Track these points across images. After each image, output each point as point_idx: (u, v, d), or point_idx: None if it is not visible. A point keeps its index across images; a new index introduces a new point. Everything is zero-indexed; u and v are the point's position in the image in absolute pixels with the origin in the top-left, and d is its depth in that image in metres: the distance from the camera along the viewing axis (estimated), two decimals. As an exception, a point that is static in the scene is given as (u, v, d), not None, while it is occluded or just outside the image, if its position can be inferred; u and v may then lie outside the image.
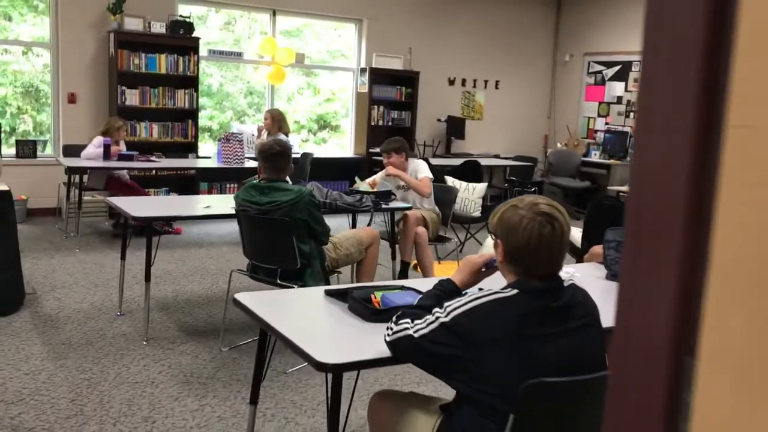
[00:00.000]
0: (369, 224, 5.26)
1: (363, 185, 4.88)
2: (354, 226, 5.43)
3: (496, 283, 1.91)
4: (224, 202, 4.48)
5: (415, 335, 1.83)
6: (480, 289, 1.87)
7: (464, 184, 6.42)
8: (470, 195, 6.34)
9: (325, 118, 9.93)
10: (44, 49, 7.50)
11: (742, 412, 0.57)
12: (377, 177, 5.22)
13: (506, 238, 1.81)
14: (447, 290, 2.01)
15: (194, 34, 7.75)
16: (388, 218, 5.01)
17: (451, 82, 10.27)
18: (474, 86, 10.46)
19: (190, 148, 7.93)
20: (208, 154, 8.02)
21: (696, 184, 0.62)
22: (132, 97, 7.52)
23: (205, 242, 6.73)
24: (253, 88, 9.25)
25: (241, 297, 2.40)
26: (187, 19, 7.74)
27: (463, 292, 1.98)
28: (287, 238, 3.53)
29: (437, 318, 1.80)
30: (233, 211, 3.89)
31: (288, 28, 9.17)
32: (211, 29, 8.60)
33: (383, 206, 4.62)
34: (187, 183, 7.90)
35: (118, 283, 4.57)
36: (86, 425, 2.97)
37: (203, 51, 8.04)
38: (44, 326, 4.15)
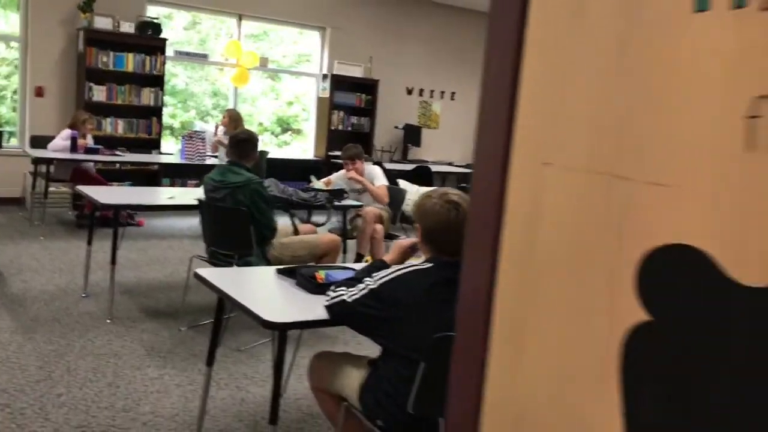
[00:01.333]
0: (324, 224, 5.61)
1: (318, 184, 5.26)
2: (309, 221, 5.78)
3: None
4: (187, 195, 4.81)
5: (349, 300, 2.21)
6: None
7: (415, 187, 6.84)
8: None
9: (288, 121, 10.27)
10: (12, 42, 7.71)
11: (509, 357, 0.98)
12: (332, 177, 5.61)
13: (422, 221, 2.22)
14: (378, 267, 2.40)
15: (162, 35, 8.03)
16: (341, 217, 5.40)
17: (409, 92, 10.71)
18: (431, 96, 10.92)
19: (153, 145, 8.20)
20: (170, 150, 8.29)
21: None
22: (99, 94, 7.77)
23: (167, 234, 7.01)
24: (218, 89, 9.55)
25: (201, 271, 2.75)
26: (156, 20, 8.02)
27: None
28: (241, 225, 3.88)
29: (367, 285, 2.19)
30: (195, 203, 4.22)
31: (254, 32, 9.50)
32: (176, 29, 8.88)
33: (336, 203, 5.00)
34: (150, 178, 8.16)
35: (84, 267, 4.86)
36: (54, 388, 3.28)
37: (170, 51, 8.33)
38: (12, 305, 4.41)
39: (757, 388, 0.68)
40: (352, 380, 2.37)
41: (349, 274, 2.79)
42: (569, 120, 0.91)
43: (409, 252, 2.49)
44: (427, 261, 2.22)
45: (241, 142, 4.06)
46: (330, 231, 5.30)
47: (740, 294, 0.70)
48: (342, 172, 5.70)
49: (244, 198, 3.90)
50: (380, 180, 5.63)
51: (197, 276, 2.73)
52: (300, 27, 9.72)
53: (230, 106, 9.25)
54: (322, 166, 9.28)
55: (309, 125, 10.20)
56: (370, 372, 2.33)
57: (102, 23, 7.68)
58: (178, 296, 4.83)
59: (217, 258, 4.11)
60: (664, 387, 0.77)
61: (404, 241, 2.51)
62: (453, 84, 11.02)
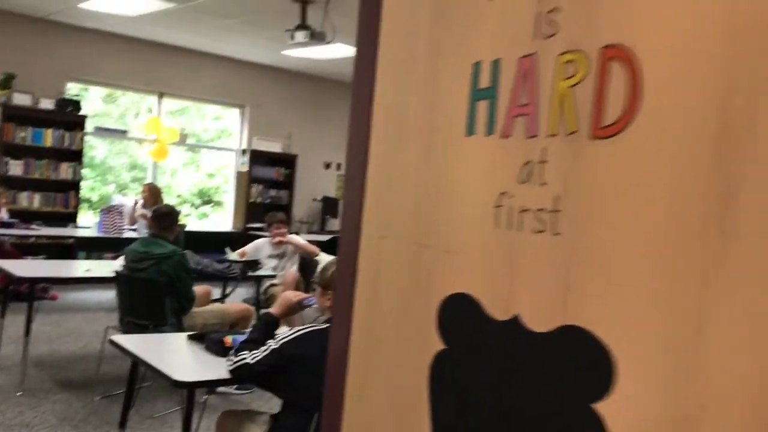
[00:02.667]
0: (227, 294, 5.82)
1: (233, 255, 5.50)
2: (223, 295, 5.99)
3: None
4: (104, 267, 4.95)
5: (251, 362, 2.46)
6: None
7: (328, 256, 7.13)
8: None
9: (208, 193, 10.47)
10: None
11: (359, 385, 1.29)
12: (247, 248, 5.87)
13: (329, 285, 2.52)
14: (269, 321, 2.67)
15: (81, 108, 8.20)
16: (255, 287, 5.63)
17: (327, 166, 11.14)
18: (348, 170, 11.36)
19: (70, 218, 8.24)
20: (87, 224, 8.35)
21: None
22: (16, 168, 7.82)
23: (81, 307, 7.03)
24: (137, 162, 9.71)
25: (116, 338, 2.95)
26: (76, 98, 8.21)
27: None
28: (158, 296, 4.08)
29: (269, 346, 2.46)
30: (112, 275, 4.39)
31: (174, 108, 9.78)
32: (94, 101, 9.05)
33: (250, 273, 5.25)
34: (65, 251, 8.16)
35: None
36: (-35, 459, 3.33)
37: (89, 127, 8.48)
38: None
39: (510, 387, 1.00)
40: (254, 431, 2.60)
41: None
42: (396, 205, 1.25)
43: (296, 307, 2.77)
44: (326, 321, 2.51)
45: (163, 215, 4.30)
46: (244, 301, 5.51)
47: (494, 325, 1.03)
48: (259, 241, 5.97)
49: (168, 269, 4.12)
50: (302, 241, 6.06)
51: (112, 342, 2.92)
52: (220, 105, 10.07)
53: (149, 179, 9.41)
54: (240, 238, 9.48)
55: (229, 197, 10.43)
56: (272, 425, 2.57)
57: (21, 100, 7.81)
58: (92, 367, 4.90)
59: (132, 328, 4.26)
60: (454, 393, 1.09)
61: (292, 296, 2.79)
62: (369, 159, 11.49)
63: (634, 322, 0.83)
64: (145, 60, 8.91)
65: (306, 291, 6.10)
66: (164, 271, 4.11)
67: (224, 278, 5.22)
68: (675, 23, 0.81)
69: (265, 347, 2.46)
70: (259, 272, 5.43)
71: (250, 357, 2.47)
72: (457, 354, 1.10)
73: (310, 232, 10.58)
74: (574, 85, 0.93)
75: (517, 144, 1.01)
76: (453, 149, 1.12)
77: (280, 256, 5.92)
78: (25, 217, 7.59)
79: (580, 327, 0.90)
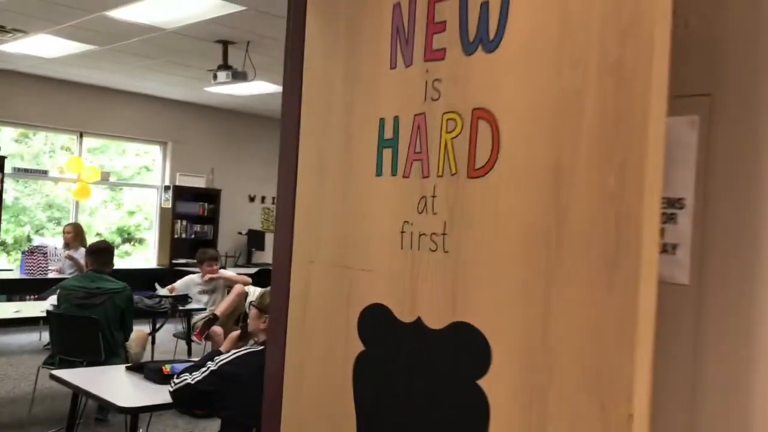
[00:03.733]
0: (157, 329, 5.93)
1: (163, 291, 5.62)
2: (153, 330, 6.07)
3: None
4: (32, 308, 4.99)
5: (192, 382, 2.65)
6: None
7: (257, 289, 7.29)
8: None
9: (128, 231, 10.43)
10: None
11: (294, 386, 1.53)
12: (177, 284, 5.99)
13: (267, 311, 2.74)
14: (214, 354, 2.87)
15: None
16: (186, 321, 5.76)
17: (252, 199, 11.28)
18: (273, 202, 11.53)
19: (-11, 261, 8.09)
20: (3, 266, 8.22)
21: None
22: None
23: (5, 351, 6.92)
24: (53, 201, 9.60)
25: (58, 372, 3.07)
26: (-8, 139, 8.12)
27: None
28: (94, 332, 4.17)
29: (209, 368, 2.66)
30: (43, 314, 4.45)
31: (94, 145, 9.75)
32: (5, 141, 8.89)
33: (180, 307, 5.38)
34: (-15, 295, 8.00)
35: None
36: None
37: (8, 168, 8.39)
38: None
39: (415, 374, 1.26)
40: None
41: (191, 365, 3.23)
42: (321, 234, 1.50)
43: (237, 341, 3.00)
44: (260, 344, 2.73)
45: (101, 251, 4.43)
46: (174, 335, 5.67)
47: (402, 327, 1.29)
48: (189, 278, 6.10)
49: (121, 303, 4.25)
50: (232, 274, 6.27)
51: (53, 377, 3.04)
52: (142, 142, 10.10)
53: (71, 218, 9.33)
54: (167, 274, 9.49)
55: (151, 234, 10.41)
56: (213, 443, 2.76)
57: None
58: (22, 409, 4.90)
59: (66, 366, 4.32)
60: (370, 385, 1.35)
61: (234, 333, 3.03)
62: (293, 191, 11.70)
63: (501, 315, 1.12)
64: (64, 99, 8.89)
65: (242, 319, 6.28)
66: (117, 305, 4.25)
67: (155, 314, 5.33)
68: (521, 95, 1.11)
69: (204, 368, 2.65)
70: (189, 306, 5.56)
71: (191, 378, 2.66)
72: (374, 353, 1.36)
73: (236, 266, 10.66)
74: (454, 137, 1.22)
75: (415, 183, 1.29)
76: (365, 187, 1.39)
77: (212, 291, 6.07)
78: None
79: (466, 322, 1.18)
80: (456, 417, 1.19)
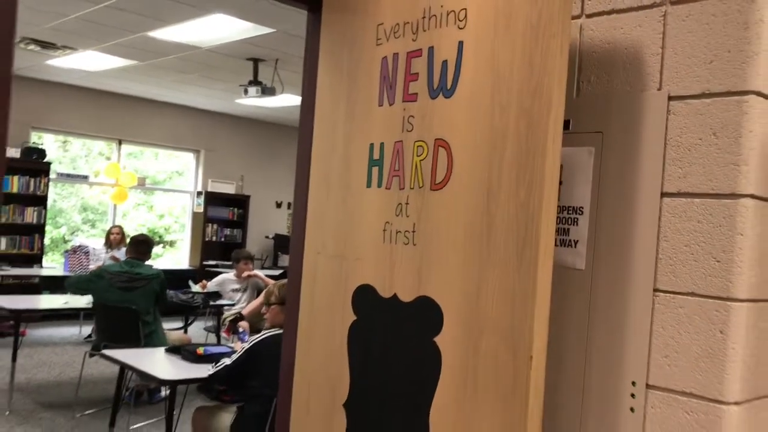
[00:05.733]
0: (189, 324, 6.44)
1: (195, 287, 6.11)
2: (186, 325, 6.58)
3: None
4: (79, 300, 5.50)
5: (230, 363, 3.11)
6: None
7: (282, 289, 7.78)
8: (286, 298, 7.72)
9: (159, 234, 10.99)
10: None
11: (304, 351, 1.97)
12: (210, 282, 6.50)
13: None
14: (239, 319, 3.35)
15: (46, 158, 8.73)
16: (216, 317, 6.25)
17: (279, 205, 11.79)
18: (299, 209, 12.04)
19: (34, 260, 8.69)
20: (49, 264, 8.81)
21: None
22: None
23: (49, 342, 7.48)
24: (88, 204, 10.19)
25: (107, 352, 3.55)
26: (41, 146, 8.73)
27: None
28: (135, 322, 4.67)
29: (244, 348, 3.11)
30: (90, 306, 4.97)
31: (128, 150, 10.33)
32: (50, 148, 9.48)
33: (211, 303, 5.87)
34: (31, 290, 8.59)
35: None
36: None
37: (52, 174, 9.00)
38: None
39: (392, 336, 1.69)
40: (224, 421, 3.23)
41: (222, 349, 3.70)
42: (325, 232, 1.93)
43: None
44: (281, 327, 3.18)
45: (141, 242, 4.97)
46: (205, 329, 6.15)
47: (383, 301, 1.72)
48: (222, 276, 6.60)
49: (156, 287, 4.77)
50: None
51: (104, 356, 3.52)
52: (177, 150, 10.68)
53: (109, 220, 9.91)
54: (198, 275, 10.02)
55: (180, 236, 10.97)
56: (237, 413, 3.21)
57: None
58: (68, 392, 5.42)
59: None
60: (360, 346, 1.78)
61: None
62: (318, 198, 12.20)
63: (450, 290, 1.54)
64: (106, 109, 9.49)
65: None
66: (154, 290, 4.77)
67: (188, 307, 5.82)
68: (468, 130, 1.54)
69: (241, 350, 3.12)
70: (219, 302, 6.04)
71: (229, 361, 3.13)
72: (363, 321, 1.79)
73: (262, 268, 11.16)
74: (422, 159, 1.65)
75: (394, 193, 1.72)
76: (359, 196, 1.82)
77: (244, 290, 6.56)
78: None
79: (427, 296, 1.60)
80: (419, 366, 1.61)
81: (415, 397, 1.60)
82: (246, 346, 3.12)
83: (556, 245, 1.52)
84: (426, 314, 1.60)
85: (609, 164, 1.51)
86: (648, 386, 1.39)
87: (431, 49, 1.64)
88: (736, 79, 1.32)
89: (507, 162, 1.45)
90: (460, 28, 1.56)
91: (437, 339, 1.57)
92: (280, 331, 3.15)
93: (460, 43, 1.56)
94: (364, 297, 1.79)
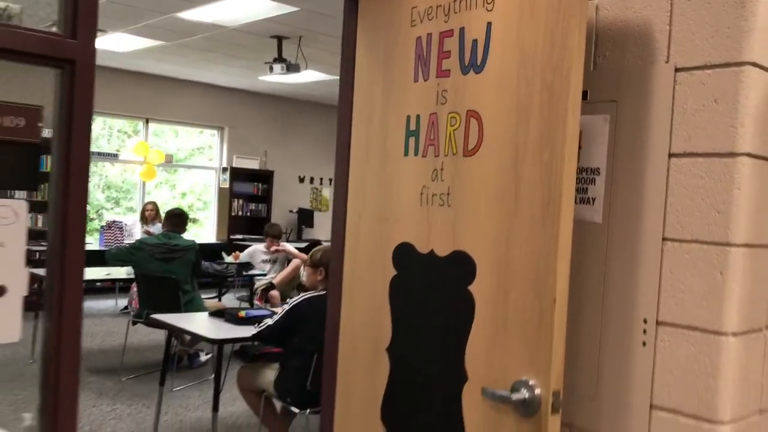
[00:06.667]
0: (223, 293, 6.73)
1: (229, 258, 6.39)
2: (220, 294, 6.88)
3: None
4: (120, 271, 5.79)
5: (272, 323, 3.35)
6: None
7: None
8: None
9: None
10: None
11: (349, 306, 2.20)
12: (242, 253, 6.78)
13: (328, 266, 3.41)
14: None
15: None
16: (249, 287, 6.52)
17: (301, 180, 12.03)
18: (321, 183, 12.28)
19: (69, 236, 9.00)
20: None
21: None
22: (20, 192, 8.57)
23: (87, 314, 7.81)
24: (111, 183, 10.48)
25: (156, 316, 3.81)
26: (71, 125, 9.00)
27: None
28: (176, 291, 4.94)
29: (284, 309, 3.35)
30: (131, 276, 5.24)
31: (155, 129, 10.59)
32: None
33: (243, 273, 6.14)
34: (66, 266, 8.91)
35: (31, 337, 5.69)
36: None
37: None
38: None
39: (430, 288, 1.90)
40: (267, 377, 3.49)
41: (261, 312, 3.95)
42: (367, 196, 2.14)
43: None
44: (323, 290, 3.41)
45: (176, 216, 5.25)
46: (237, 299, 6.44)
47: (421, 257, 1.94)
48: (253, 248, 6.88)
49: (192, 257, 5.05)
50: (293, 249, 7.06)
51: (152, 321, 3.78)
52: (201, 127, 10.92)
53: (135, 198, 10.21)
54: (226, 248, 10.31)
55: (204, 214, 11.25)
56: (280, 369, 3.45)
57: None
58: (113, 358, 5.72)
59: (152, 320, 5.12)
60: (401, 298, 2.00)
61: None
62: (340, 172, 12.42)
63: (482, 244, 1.75)
64: (133, 89, 9.74)
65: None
66: (190, 260, 5.05)
67: (223, 277, 6.10)
68: (496, 102, 1.73)
69: (280, 311, 3.36)
70: (251, 272, 6.31)
71: (271, 321, 3.37)
72: (403, 276, 2.01)
73: (287, 241, 11.44)
74: (455, 129, 1.85)
75: (430, 160, 1.92)
76: (397, 164, 2.03)
77: (274, 261, 6.84)
78: (30, 236, 8.32)
79: (462, 250, 1.81)
80: (455, 311, 1.82)
81: (451, 339, 1.81)
82: (286, 306, 3.36)
83: (576, 202, 1.71)
84: (461, 266, 1.81)
85: (622, 129, 1.70)
86: (658, 323, 1.60)
87: (462, 30, 1.83)
88: (734, 52, 1.50)
89: (532, 130, 1.65)
90: (488, 11, 1.75)
91: (471, 287, 1.78)
92: (318, 293, 3.39)
93: (489, 24, 1.75)
94: (404, 254, 2.00)
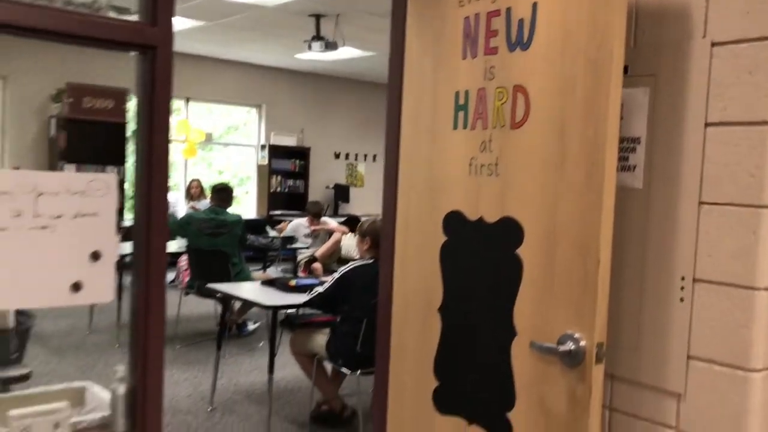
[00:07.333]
0: (268, 266, 6.97)
1: (273, 232, 6.61)
2: (265, 266, 7.11)
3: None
4: (171, 245, 6.04)
5: (323, 290, 3.54)
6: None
7: (348, 235, 8.22)
8: (351, 243, 8.18)
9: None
10: (-12, 130, 8.83)
11: (401, 274, 2.35)
12: (286, 227, 7.01)
13: (376, 236, 3.57)
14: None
15: (120, 118, 9.29)
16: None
17: (337, 156, 12.20)
18: (356, 159, 12.44)
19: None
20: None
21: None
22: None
23: (137, 288, 8.13)
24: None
25: (212, 285, 4.02)
26: (116, 106, 9.29)
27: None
28: (225, 262, 5.17)
29: (334, 277, 3.53)
30: (182, 250, 5.49)
31: (194, 108, 10.84)
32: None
33: (288, 246, 6.36)
34: (114, 242, 9.24)
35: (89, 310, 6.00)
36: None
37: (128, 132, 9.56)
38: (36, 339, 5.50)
39: (479, 252, 2.05)
40: (319, 341, 3.69)
41: (310, 280, 4.15)
42: (417, 169, 2.29)
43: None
44: (371, 258, 3.58)
45: (222, 190, 5.49)
46: (282, 271, 6.66)
47: (471, 224, 2.08)
48: (296, 222, 7.12)
49: (239, 231, 5.28)
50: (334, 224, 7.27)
51: (207, 290, 3.99)
52: (240, 105, 11.14)
53: (180, 177, 10.49)
54: (267, 224, 10.57)
55: (240, 191, 11.50)
56: (331, 333, 3.65)
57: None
58: (168, 329, 5.97)
59: (204, 291, 5.36)
60: (451, 262, 2.15)
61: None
62: (374, 148, 12.57)
63: (529, 210, 1.88)
64: (176, 69, 9.92)
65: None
66: (236, 233, 5.28)
67: (267, 250, 6.34)
68: (542, 77, 1.86)
69: (330, 279, 3.55)
70: (295, 246, 6.54)
71: (321, 288, 3.56)
72: (453, 241, 2.16)
73: (325, 216, 11.67)
74: (503, 103, 1.98)
75: (478, 133, 2.05)
76: (446, 137, 2.17)
77: (316, 235, 7.06)
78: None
79: (510, 216, 1.95)
80: (504, 273, 1.97)
81: (500, 298, 1.96)
82: (336, 275, 3.54)
83: (617, 170, 1.84)
84: (509, 231, 1.95)
85: (661, 101, 1.82)
86: (695, 280, 1.73)
87: (509, 9, 1.95)
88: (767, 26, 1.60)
89: (577, 103, 1.77)
90: (534, -8, 1.87)
91: (519, 251, 1.92)
92: (365, 261, 3.56)
93: (534, 5, 1.87)
94: (454, 221, 2.15)
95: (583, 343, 1.71)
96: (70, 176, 1.84)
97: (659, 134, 1.82)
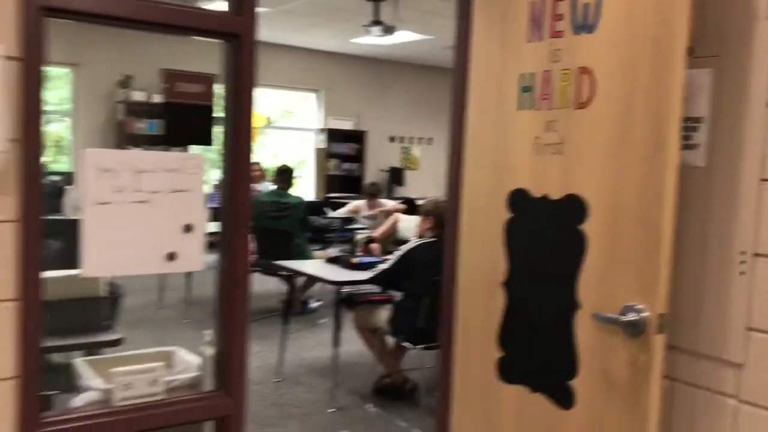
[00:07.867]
0: (326, 246, 7.16)
1: (332, 213, 6.79)
2: (323, 247, 7.32)
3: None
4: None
5: (386, 266, 3.68)
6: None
7: (404, 216, 8.35)
8: (408, 224, 8.31)
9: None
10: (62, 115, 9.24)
11: (467, 251, 2.46)
12: (349, 207, 7.20)
13: (438, 215, 3.68)
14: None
15: (184, 103, 9.58)
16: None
17: (392, 139, 12.31)
18: (411, 142, 12.53)
19: (180, 195, 9.65)
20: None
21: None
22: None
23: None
24: (198, 145, 11.05)
25: (280, 262, 4.21)
26: (180, 91, 9.57)
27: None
28: (288, 241, 5.37)
29: (396, 254, 3.67)
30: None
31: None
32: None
33: (346, 227, 6.53)
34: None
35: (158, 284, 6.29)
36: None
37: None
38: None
39: (544, 227, 2.14)
40: (381, 316, 3.83)
41: (371, 258, 4.30)
42: (483, 149, 2.38)
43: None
44: (433, 237, 3.70)
45: (284, 171, 5.69)
46: (340, 251, 6.85)
47: (534, 201, 2.17)
48: (357, 203, 7.30)
49: (301, 213, 5.49)
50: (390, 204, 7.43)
51: (275, 266, 4.18)
52: (299, 90, 11.35)
53: (240, 159, 10.76)
54: (324, 206, 10.78)
55: (305, 171, 11.74)
56: (393, 309, 3.79)
57: (138, 96, 9.22)
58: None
59: (269, 268, 5.57)
60: (516, 238, 2.25)
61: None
62: (429, 131, 12.63)
63: (593, 187, 1.97)
64: (234, 55, 10.20)
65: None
66: (299, 216, 5.48)
67: (327, 230, 6.54)
68: (607, 59, 1.93)
69: (392, 257, 3.68)
70: (354, 226, 6.72)
71: (385, 265, 3.70)
72: (518, 218, 2.25)
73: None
74: (568, 85, 2.06)
75: (543, 113, 2.14)
76: (511, 117, 2.25)
77: (374, 217, 7.23)
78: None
79: (574, 193, 2.03)
80: (568, 247, 2.05)
81: (564, 272, 2.05)
82: (399, 252, 3.67)
83: (681, 148, 1.90)
84: (573, 207, 2.03)
85: (724, 82, 1.87)
86: (755, 255, 1.79)
87: (575, -6, 2.03)
88: (832, 8, 1.65)
89: (641, 83, 1.84)
90: (600, -24, 1.94)
91: (583, 226, 2.00)
92: (427, 240, 3.67)
93: (600, -11, 1.94)
94: (518, 198, 2.24)
95: (645, 313, 1.80)
96: (165, 155, 2.01)
97: (721, 114, 1.87)
